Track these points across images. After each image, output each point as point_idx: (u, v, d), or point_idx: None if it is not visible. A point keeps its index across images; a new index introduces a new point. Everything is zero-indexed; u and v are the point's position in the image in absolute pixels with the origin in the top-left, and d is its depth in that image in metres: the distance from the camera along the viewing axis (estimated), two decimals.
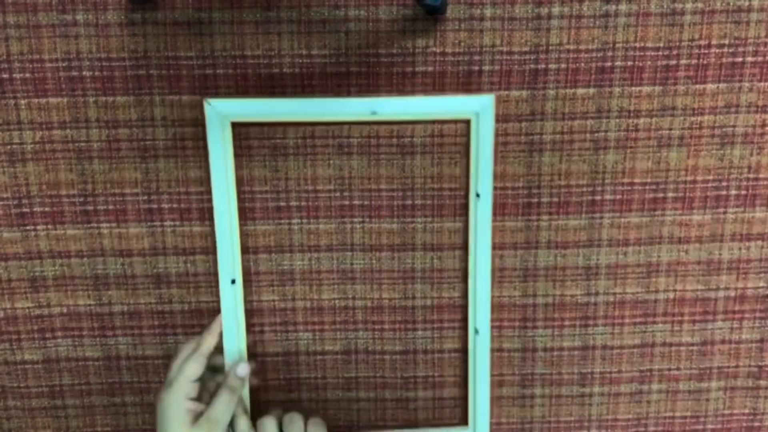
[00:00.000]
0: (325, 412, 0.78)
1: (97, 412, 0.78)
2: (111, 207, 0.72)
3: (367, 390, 0.78)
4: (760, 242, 0.75)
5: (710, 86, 0.71)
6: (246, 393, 0.74)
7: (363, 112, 0.70)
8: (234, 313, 0.73)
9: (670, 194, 0.73)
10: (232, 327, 0.73)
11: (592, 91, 0.71)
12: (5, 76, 0.69)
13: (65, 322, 0.75)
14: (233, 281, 0.73)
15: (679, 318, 0.77)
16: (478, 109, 0.70)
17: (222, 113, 0.69)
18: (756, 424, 0.80)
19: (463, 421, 0.79)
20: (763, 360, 0.78)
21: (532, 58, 0.70)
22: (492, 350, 0.77)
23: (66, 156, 0.71)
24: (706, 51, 0.70)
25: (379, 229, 0.74)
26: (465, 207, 0.73)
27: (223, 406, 0.69)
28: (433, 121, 0.71)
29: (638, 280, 0.75)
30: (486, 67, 0.70)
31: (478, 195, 0.72)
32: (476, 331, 0.75)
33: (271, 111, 0.70)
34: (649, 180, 0.73)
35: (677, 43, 0.70)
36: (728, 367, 0.78)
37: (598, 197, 0.73)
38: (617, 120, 0.71)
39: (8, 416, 0.77)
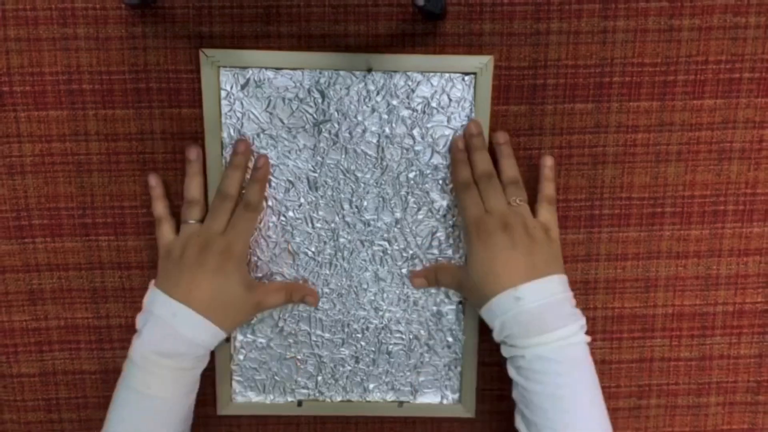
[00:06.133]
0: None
1: (94, 426, 0.77)
2: (110, 220, 0.72)
3: None
4: (757, 257, 0.75)
5: (707, 102, 0.71)
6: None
7: (358, 66, 0.68)
8: None
9: (668, 209, 0.73)
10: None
11: (590, 106, 0.71)
12: (5, 88, 0.69)
13: (62, 335, 0.75)
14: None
15: (678, 333, 0.77)
16: (476, 69, 0.69)
17: (218, 64, 0.68)
18: None
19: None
20: (761, 375, 0.78)
21: (530, 73, 0.70)
22: (490, 364, 0.76)
23: (65, 169, 0.71)
24: (704, 67, 0.70)
25: None
26: None
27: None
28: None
29: (636, 295, 0.75)
30: None
31: None
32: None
33: (267, 64, 0.69)
34: (647, 195, 0.73)
35: (675, 59, 0.70)
36: (727, 382, 0.78)
37: (596, 212, 0.73)
38: (615, 135, 0.72)
39: (4, 430, 0.77)
